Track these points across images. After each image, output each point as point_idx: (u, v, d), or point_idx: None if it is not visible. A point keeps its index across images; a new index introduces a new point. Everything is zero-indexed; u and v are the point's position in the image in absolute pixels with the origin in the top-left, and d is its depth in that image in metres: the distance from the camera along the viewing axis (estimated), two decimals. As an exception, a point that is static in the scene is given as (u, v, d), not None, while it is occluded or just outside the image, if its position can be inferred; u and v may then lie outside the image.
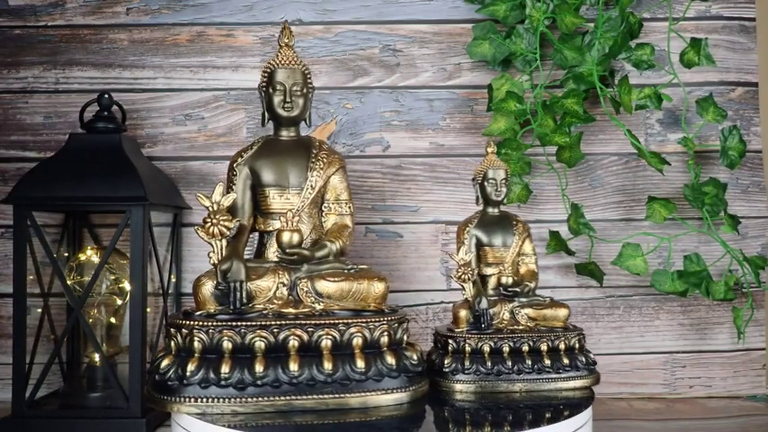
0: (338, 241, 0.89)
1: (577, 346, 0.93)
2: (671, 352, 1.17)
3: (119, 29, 1.18)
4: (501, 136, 1.11)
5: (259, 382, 0.77)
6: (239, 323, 0.78)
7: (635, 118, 1.17)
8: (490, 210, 1.00)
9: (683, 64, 1.10)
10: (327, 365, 0.78)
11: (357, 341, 0.80)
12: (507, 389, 0.89)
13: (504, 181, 0.98)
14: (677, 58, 1.11)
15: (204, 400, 0.76)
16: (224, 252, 0.82)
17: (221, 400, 0.76)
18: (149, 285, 1.01)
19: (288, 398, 0.77)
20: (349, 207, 0.93)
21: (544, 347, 0.91)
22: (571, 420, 0.78)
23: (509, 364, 0.90)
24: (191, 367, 0.77)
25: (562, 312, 0.94)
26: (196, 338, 0.78)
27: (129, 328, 0.96)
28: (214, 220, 0.82)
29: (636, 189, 1.18)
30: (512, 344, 0.91)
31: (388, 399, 0.79)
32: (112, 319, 1.04)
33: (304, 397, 0.77)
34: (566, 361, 0.91)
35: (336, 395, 0.78)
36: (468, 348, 0.90)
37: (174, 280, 1.12)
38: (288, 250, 0.84)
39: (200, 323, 0.78)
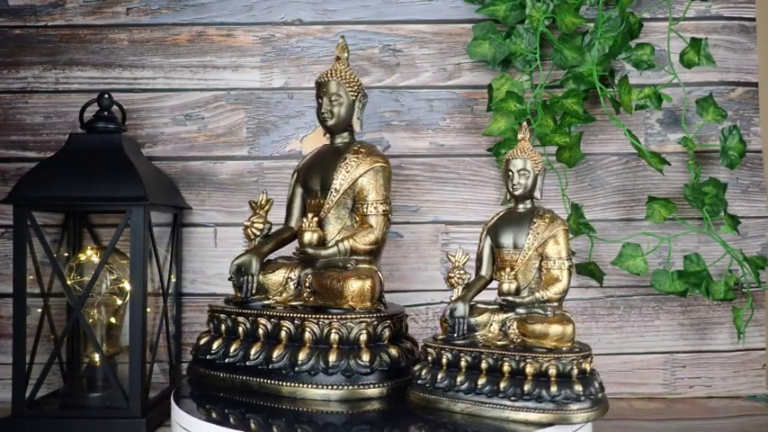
0: (349, 241, 0.90)
1: (552, 372, 0.76)
2: (671, 352, 1.17)
3: (119, 29, 1.18)
4: (501, 136, 1.11)
5: (227, 361, 0.89)
6: (231, 310, 0.91)
7: (635, 118, 1.17)
8: (520, 206, 0.88)
9: (683, 64, 1.10)
10: (276, 353, 0.85)
11: (307, 336, 0.85)
12: (448, 407, 0.79)
13: (522, 172, 0.86)
14: (677, 58, 1.11)
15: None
16: None
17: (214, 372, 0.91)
18: (149, 285, 1.01)
19: (244, 377, 0.87)
20: (375, 207, 0.92)
21: (506, 368, 0.78)
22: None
23: (460, 379, 0.80)
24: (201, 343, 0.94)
25: (555, 330, 0.79)
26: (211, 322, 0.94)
27: (129, 328, 0.96)
28: (247, 223, 0.94)
29: (636, 189, 1.18)
30: (469, 359, 0.80)
31: (315, 393, 0.83)
32: (112, 319, 1.04)
33: (254, 378, 0.86)
34: (527, 388, 0.76)
35: (274, 382, 0.85)
36: (429, 358, 0.83)
37: (174, 280, 1.12)
38: (297, 249, 0.91)
39: (212, 309, 0.94)
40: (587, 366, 0.79)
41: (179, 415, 0.82)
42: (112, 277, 1.03)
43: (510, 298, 0.83)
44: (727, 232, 1.10)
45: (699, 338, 1.17)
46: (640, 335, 1.17)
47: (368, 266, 0.90)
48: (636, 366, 1.17)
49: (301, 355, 0.84)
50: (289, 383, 0.84)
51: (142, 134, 1.18)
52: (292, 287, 0.91)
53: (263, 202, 0.95)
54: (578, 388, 0.76)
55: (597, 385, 0.79)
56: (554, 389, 0.76)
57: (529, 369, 0.77)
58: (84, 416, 0.96)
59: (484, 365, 0.79)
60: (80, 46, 1.18)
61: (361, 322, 0.85)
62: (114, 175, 0.97)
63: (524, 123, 0.90)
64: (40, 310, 1.03)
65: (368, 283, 0.86)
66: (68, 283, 1.00)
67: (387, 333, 0.87)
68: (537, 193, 0.88)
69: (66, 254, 1.10)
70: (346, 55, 0.97)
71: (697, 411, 1.09)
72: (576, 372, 0.77)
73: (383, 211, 0.92)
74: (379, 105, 1.18)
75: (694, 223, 1.15)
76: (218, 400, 0.86)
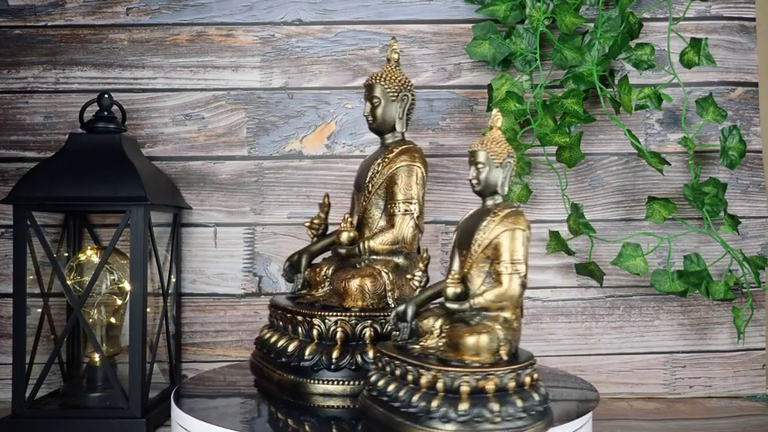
0: (369, 241, 0.91)
1: (440, 386, 0.70)
2: (671, 352, 1.17)
3: (119, 29, 1.19)
4: (501, 136, 1.10)
5: (257, 348, 0.94)
6: (277, 304, 0.94)
7: (635, 118, 1.17)
8: (488, 202, 0.80)
9: (683, 64, 1.10)
10: (280, 343, 0.89)
11: (300, 330, 0.88)
12: (368, 412, 0.77)
13: (478, 165, 0.78)
14: (677, 58, 1.11)
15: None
16: None
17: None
18: (149, 285, 1.01)
19: (263, 364, 0.92)
20: (398, 207, 0.92)
21: (410, 378, 0.73)
22: (570, 422, 0.78)
23: (380, 385, 0.76)
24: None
25: (466, 341, 0.70)
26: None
27: (129, 328, 0.96)
28: (307, 223, 0.99)
29: (636, 189, 1.18)
30: (392, 365, 0.76)
31: (293, 383, 0.86)
32: (112, 319, 1.04)
33: (268, 366, 0.90)
34: (414, 399, 0.71)
35: (271, 368, 0.89)
36: (379, 363, 0.80)
37: (174, 280, 1.12)
38: (332, 249, 0.96)
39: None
40: (490, 385, 0.69)
41: (179, 415, 0.82)
42: (112, 277, 1.03)
43: (448, 304, 0.76)
44: (727, 232, 1.10)
45: (699, 338, 1.17)
46: (640, 335, 1.17)
47: (377, 267, 0.90)
48: (636, 366, 1.17)
49: (291, 347, 0.88)
50: (279, 371, 0.88)
51: (142, 134, 1.18)
52: (326, 285, 0.94)
53: (325, 202, 0.99)
54: (463, 407, 0.68)
55: (500, 408, 0.69)
56: (435, 403, 0.69)
57: (423, 381, 0.71)
58: (84, 416, 0.96)
59: (398, 372, 0.75)
60: (80, 46, 1.18)
61: (338, 320, 0.87)
62: (114, 175, 0.97)
63: (495, 110, 0.81)
64: (40, 310, 1.03)
65: (361, 282, 0.88)
66: (68, 283, 1.00)
67: (368, 333, 0.87)
68: (500, 189, 0.79)
69: (67, 254, 1.10)
70: (396, 56, 0.97)
71: (697, 411, 1.09)
72: (466, 389, 0.69)
73: (405, 210, 0.92)
74: (379, 105, 1.18)
75: (694, 223, 1.15)
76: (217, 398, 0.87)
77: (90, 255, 1.05)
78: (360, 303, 0.88)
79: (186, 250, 1.17)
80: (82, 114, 1.05)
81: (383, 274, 0.90)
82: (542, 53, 1.10)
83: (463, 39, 1.18)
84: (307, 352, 0.86)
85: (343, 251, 0.92)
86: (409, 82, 0.96)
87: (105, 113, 1.04)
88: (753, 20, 1.19)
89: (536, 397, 0.73)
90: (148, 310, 0.99)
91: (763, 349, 1.18)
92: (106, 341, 1.03)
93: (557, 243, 1.12)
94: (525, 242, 0.76)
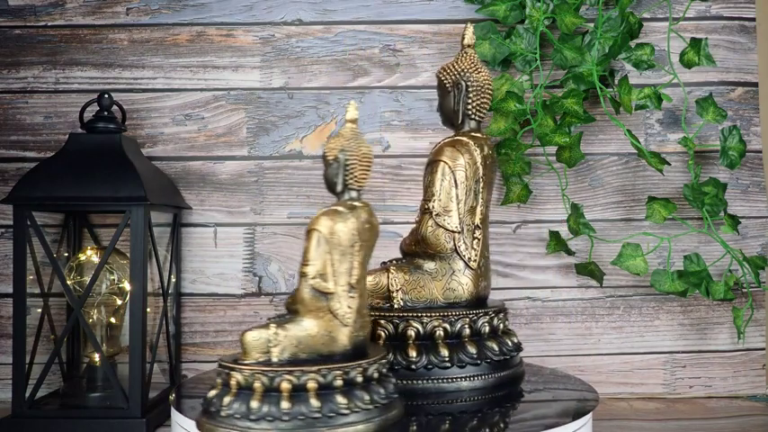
0: (403, 242, 0.92)
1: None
2: (671, 352, 1.17)
3: (119, 29, 1.19)
4: (501, 136, 1.11)
5: None
6: None
7: (635, 118, 1.17)
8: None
9: (683, 64, 1.10)
10: None
11: None
12: None
13: (324, 164, 0.76)
14: (677, 58, 1.11)
15: None
16: None
17: None
18: (149, 285, 1.01)
19: None
20: (422, 205, 0.90)
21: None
22: (570, 422, 0.78)
23: None
24: None
25: (241, 338, 0.70)
26: None
27: (129, 328, 0.96)
28: None
29: (636, 189, 1.18)
30: None
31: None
32: (112, 319, 1.04)
33: None
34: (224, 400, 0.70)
35: None
36: None
37: (174, 280, 1.12)
38: None
39: None
40: (232, 381, 0.69)
41: (179, 415, 0.82)
42: (112, 277, 1.03)
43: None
44: (727, 232, 1.10)
45: (699, 338, 1.17)
46: (640, 335, 1.17)
47: (391, 268, 0.89)
48: (636, 366, 1.17)
49: None
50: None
51: (142, 134, 1.18)
52: None
53: None
54: (212, 393, 0.71)
55: (228, 402, 0.68)
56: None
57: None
58: (84, 416, 0.96)
59: None
60: (80, 46, 1.18)
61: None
62: (114, 175, 0.97)
63: (351, 102, 0.79)
64: (40, 310, 1.03)
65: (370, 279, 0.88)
66: (68, 283, 1.00)
67: None
68: (335, 188, 0.76)
69: (67, 254, 1.10)
70: (466, 42, 0.94)
71: (697, 411, 1.09)
72: (220, 382, 0.71)
73: (425, 208, 0.89)
74: (379, 105, 1.18)
75: (694, 223, 1.15)
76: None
77: (90, 255, 1.05)
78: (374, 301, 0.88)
79: (186, 250, 1.17)
80: (82, 114, 1.05)
81: (388, 274, 0.88)
82: (542, 53, 1.10)
83: (463, 39, 1.18)
84: None
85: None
86: (472, 68, 0.91)
87: (105, 113, 1.04)
88: (753, 20, 1.19)
89: (285, 404, 0.67)
90: (148, 310, 0.99)
91: (763, 349, 1.18)
92: (106, 341, 1.03)
93: (557, 243, 1.12)
94: (320, 243, 0.71)
